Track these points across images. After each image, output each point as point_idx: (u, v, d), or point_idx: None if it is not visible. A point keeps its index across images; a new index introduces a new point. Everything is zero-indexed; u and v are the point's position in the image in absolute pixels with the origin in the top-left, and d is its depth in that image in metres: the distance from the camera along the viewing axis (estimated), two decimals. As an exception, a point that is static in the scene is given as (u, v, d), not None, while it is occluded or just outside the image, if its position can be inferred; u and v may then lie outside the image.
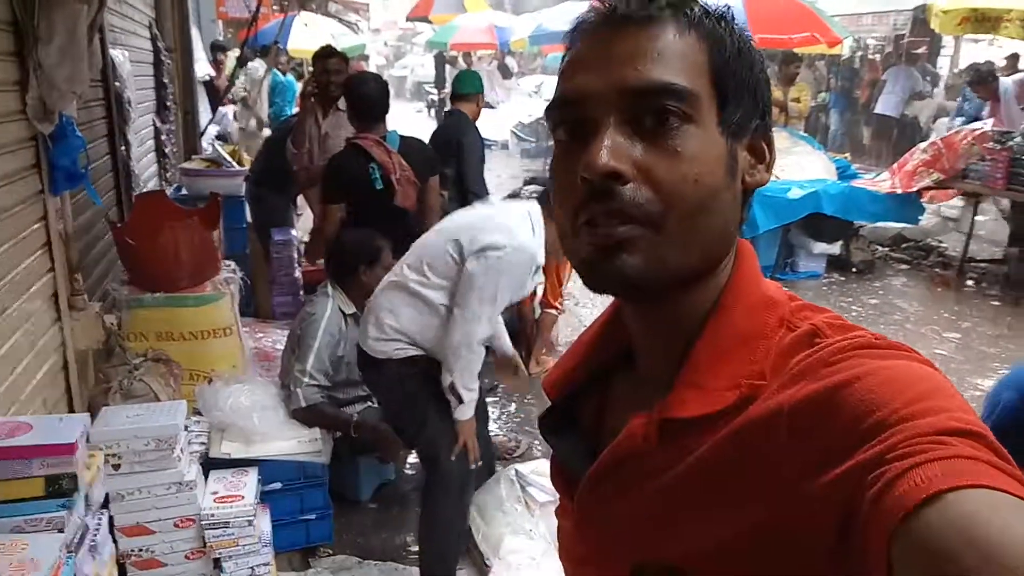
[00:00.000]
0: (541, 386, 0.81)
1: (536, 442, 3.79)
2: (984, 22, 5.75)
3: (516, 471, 2.95)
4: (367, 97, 3.43)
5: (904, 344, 0.58)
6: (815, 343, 0.60)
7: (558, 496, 0.79)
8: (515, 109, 13.67)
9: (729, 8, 0.66)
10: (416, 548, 2.84)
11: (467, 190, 4.06)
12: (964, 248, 6.41)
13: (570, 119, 0.64)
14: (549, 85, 14.66)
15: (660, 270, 0.61)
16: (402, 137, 3.48)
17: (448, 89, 13.98)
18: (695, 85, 0.61)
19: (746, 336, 0.64)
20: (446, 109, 4.40)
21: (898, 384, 0.53)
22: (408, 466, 3.54)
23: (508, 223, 2.42)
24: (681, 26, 0.62)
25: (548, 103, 0.67)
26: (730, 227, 0.65)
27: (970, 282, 6.35)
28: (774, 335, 0.63)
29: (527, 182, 4.90)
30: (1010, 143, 5.81)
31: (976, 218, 6.45)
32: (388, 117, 3.47)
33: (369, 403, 3.16)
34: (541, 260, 2.48)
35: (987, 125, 6.30)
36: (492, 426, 4.03)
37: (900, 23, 12.23)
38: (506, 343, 2.84)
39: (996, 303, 5.92)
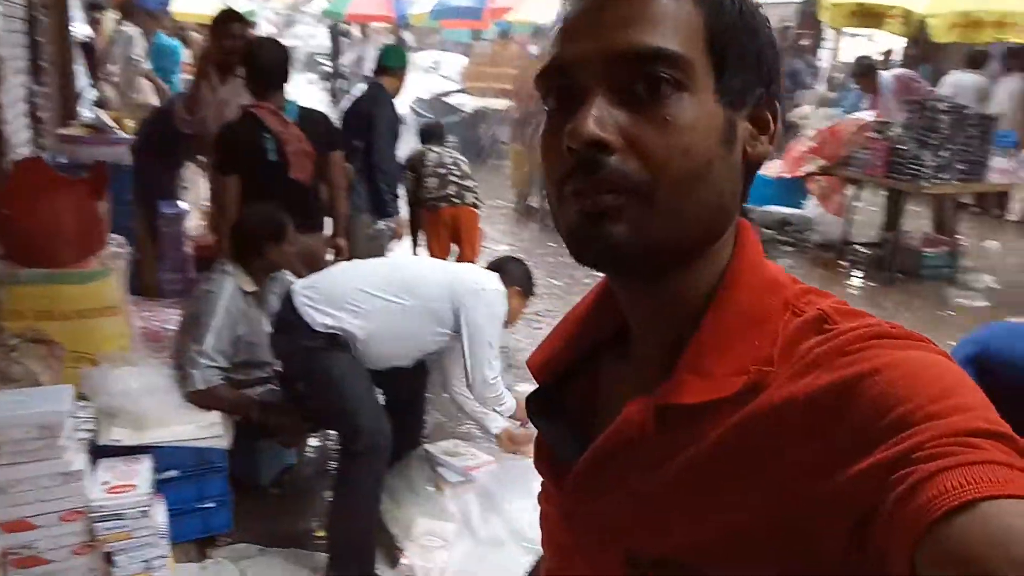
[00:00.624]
0: (526, 366, 0.77)
1: (446, 421, 3.75)
2: (870, 17, 6.05)
3: (427, 451, 2.90)
4: (265, 64, 3.26)
5: (919, 333, 0.56)
6: (824, 329, 0.57)
7: (541, 480, 0.75)
8: (413, 85, 13.43)
9: None
10: (322, 533, 2.76)
11: (373, 165, 3.94)
12: (844, 232, 6.76)
13: (559, 87, 0.61)
14: (447, 62, 14.46)
15: (647, 241, 0.58)
16: (301, 108, 3.34)
17: (343, 61, 13.66)
18: (689, 51, 0.58)
19: (751, 319, 0.61)
20: (369, 80, 4.25)
21: (920, 378, 0.51)
22: (310, 450, 3.43)
23: (492, 281, 2.80)
24: None
25: (538, 70, 0.62)
26: (726, 200, 0.61)
27: (848, 264, 6.71)
28: (779, 319, 0.60)
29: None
30: (889, 133, 6.15)
31: (856, 204, 6.82)
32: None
33: (270, 385, 3.04)
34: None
35: (869, 116, 6.65)
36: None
37: (787, 15, 12.73)
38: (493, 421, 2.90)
39: (873, 284, 6.28)
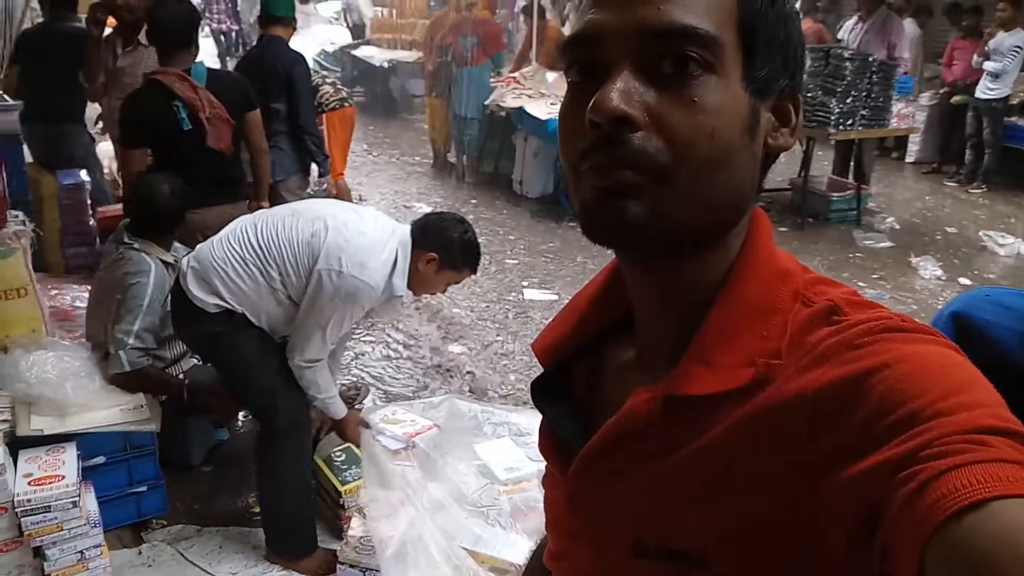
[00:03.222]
0: (531, 349, 0.76)
1: (377, 387, 3.72)
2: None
3: (365, 420, 2.87)
4: (167, 24, 3.05)
5: (930, 327, 0.56)
6: (834, 321, 0.57)
7: (545, 464, 0.75)
8: (316, 36, 12.95)
9: None
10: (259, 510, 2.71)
11: (301, 128, 3.79)
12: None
13: (584, 59, 0.59)
14: (351, 12, 13.99)
15: (664, 223, 0.57)
16: (210, 70, 3.15)
17: (240, 9, 12.99)
18: (720, 32, 0.56)
19: (760, 309, 0.60)
20: (260, 35, 4.02)
21: (930, 374, 0.50)
22: (240, 424, 3.35)
23: (371, 258, 2.32)
24: None
25: (564, 40, 0.60)
26: (745, 189, 0.60)
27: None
28: (789, 309, 0.60)
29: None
30: (797, 81, 6.31)
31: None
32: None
33: (196, 359, 2.94)
34: (400, 293, 2.43)
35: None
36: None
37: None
38: (337, 406, 2.62)
39: (784, 229, 6.49)
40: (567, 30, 6.82)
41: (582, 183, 0.59)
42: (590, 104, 0.55)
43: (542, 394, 0.74)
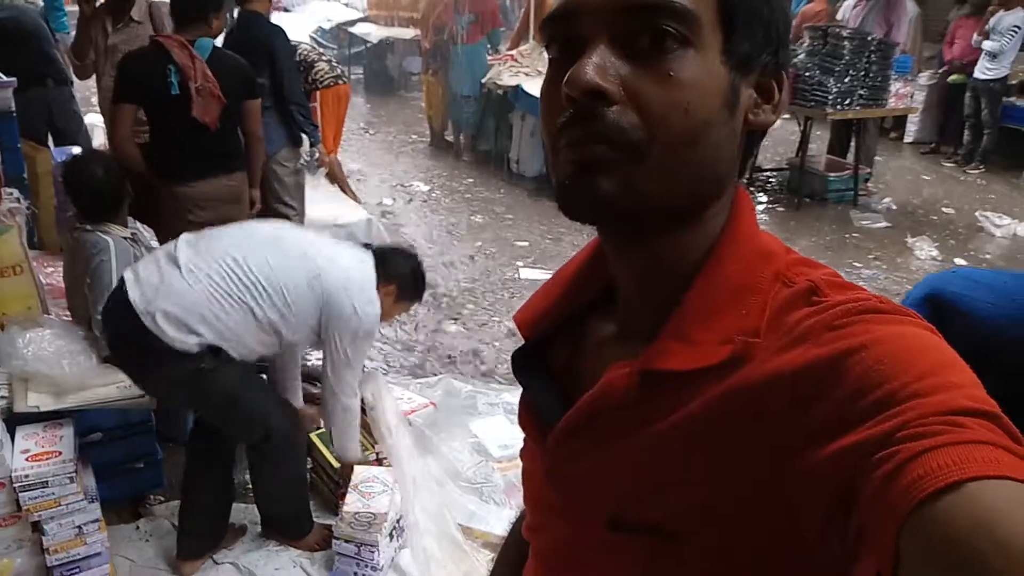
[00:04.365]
0: (513, 320, 0.76)
1: (371, 363, 3.73)
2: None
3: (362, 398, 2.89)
4: None
5: (909, 309, 0.56)
6: (813, 301, 0.57)
7: (523, 438, 0.76)
8: (313, 13, 12.85)
9: None
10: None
11: (288, 101, 3.78)
12: (752, 158, 6.93)
13: (562, 35, 0.59)
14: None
15: (638, 199, 0.57)
16: (216, 49, 3.15)
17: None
18: (698, 7, 0.56)
19: (740, 289, 0.60)
20: (239, 12, 3.99)
21: (908, 355, 0.50)
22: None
23: (370, 289, 2.36)
24: None
25: (545, 17, 0.61)
26: (723, 166, 0.61)
27: (756, 190, 6.91)
28: (769, 289, 0.60)
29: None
30: (795, 61, 6.28)
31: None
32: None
33: None
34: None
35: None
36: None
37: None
38: (357, 450, 2.59)
39: (781, 208, 6.50)
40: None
41: (559, 159, 0.59)
42: (565, 78, 0.56)
43: (523, 366, 0.74)
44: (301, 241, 2.42)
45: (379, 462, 2.66)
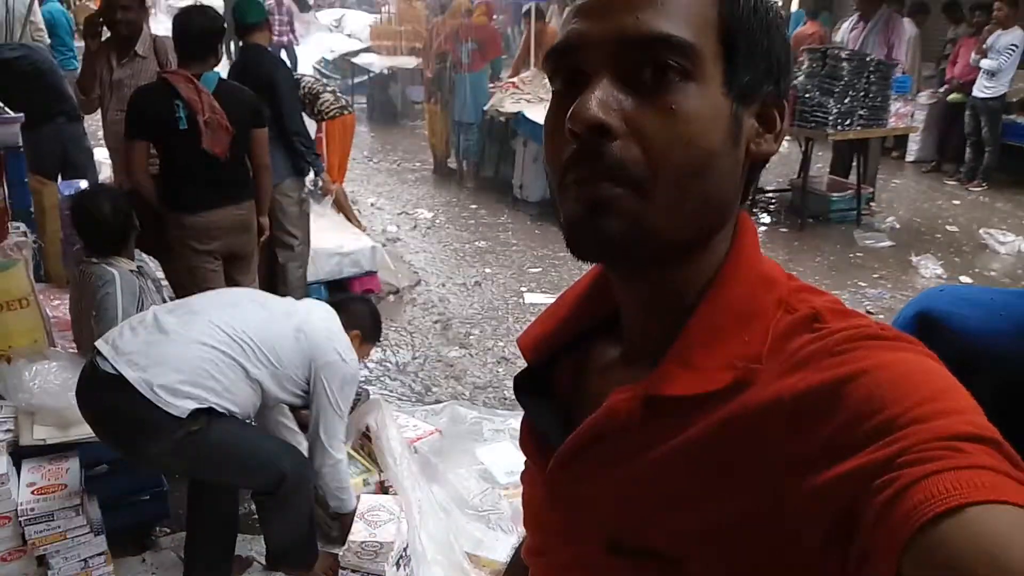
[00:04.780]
0: (517, 344, 0.76)
1: (377, 390, 3.73)
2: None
3: (366, 425, 2.88)
4: (183, 31, 3.16)
5: (910, 336, 0.57)
6: (815, 328, 0.58)
7: (525, 461, 0.76)
8: (316, 45, 13.00)
9: None
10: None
11: (290, 132, 3.83)
12: (754, 183, 6.94)
13: (566, 68, 0.60)
14: (350, 18, 14.03)
15: (644, 236, 0.57)
16: (222, 81, 3.22)
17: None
18: (699, 40, 0.57)
19: (742, 315, 0.60)
20: (241, 46, 4.07)
21: (908, 381, 0.51)
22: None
23: (346, 340, 2.45)
24: None
25: (548, 50, 0.61)
26: (727, 196, 0.61)
27: (759, 211, 6.92)
28: (772, 316, 0.60)
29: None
30: (794, 83, 6.32)
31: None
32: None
33: None
34: None
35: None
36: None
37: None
38: (352, 501, 2.55)
39: (784, 229, 6.51)
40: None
41: (565, 196, 0.59)
42: (568, 113, 0.56)
43: (525, 390, 0.74)
44: (278, 300, 2.55)
45: (384, 490, 2.65)
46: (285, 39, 11.59)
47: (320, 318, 2.46)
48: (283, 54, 11.58)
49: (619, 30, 0.57)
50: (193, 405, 2.14)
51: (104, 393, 2.18)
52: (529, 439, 0.74)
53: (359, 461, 2.81)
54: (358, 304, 2.75)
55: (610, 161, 0.56)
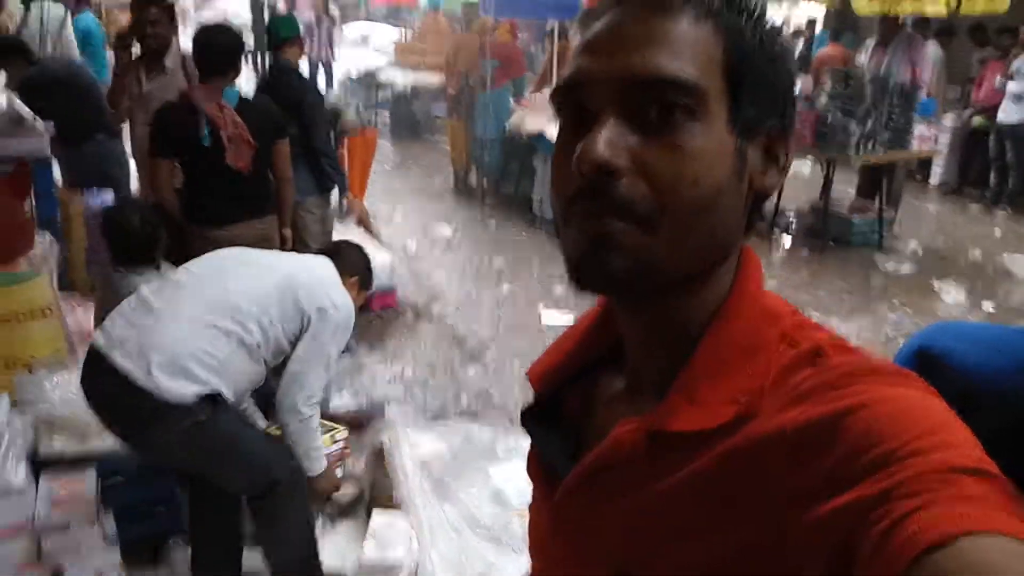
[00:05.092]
0: (526, 375, 0.77)
1: (392, 406, 3.73)
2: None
3: (379, 443, 2.89)
4: (205, 48, 3.22)
5: (910, 371, 0.58)
6: (817, 362, 0.58)
7: (532, 488, 0.77)
8: (344, 59, 13.13)
9: (759, 2, 0.62)
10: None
11: (317, 151, 3.88)
12: (776, 201, 6.92)
13: (573, 104, 0.61)
14: (378, 33, 14.16)
15: (649, 271, 0.58)
16: (243, 97, 3.28)
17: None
18: (705, 79, 0.57)
19: (746, 349, 0.61)
20: (271, 63, 4.13)
21: (907, 415, 0.51)
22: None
23: (335, 282, 2.43)
24: (699, 14, 0.59)
25: (554, 86, 0.63)
26: (731, 231, 0.62)
27: (780, 233, 6.88)
28: (774, 350, 0.61)
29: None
30: (816, 104, 6.31)
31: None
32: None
33: None
34: None
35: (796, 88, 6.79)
36: (344, 398, 3.93)
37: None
38: (323, 460, 2.50)
39: (804, 251, 6.46)
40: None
41: (570, 229, 0.60)
42: (576, 153, 0.57)
43: (533, 419, 0.75)
44: (263, 256, 2.49)
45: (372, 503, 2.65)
46: (323, 56, 11.74)
47: (310, 266, 2.45)
48: (320, 70, 11.75)
49: (626, 69, 0.58)
50: (193, 388, 2.10)
51: (104, 385, 2.16)
52: (536, 468, 0.75)
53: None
54: (352, 250, 2.69)
55: (617, 198, 0.57)
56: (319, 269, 2.45)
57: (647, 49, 0.57)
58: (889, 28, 6.62)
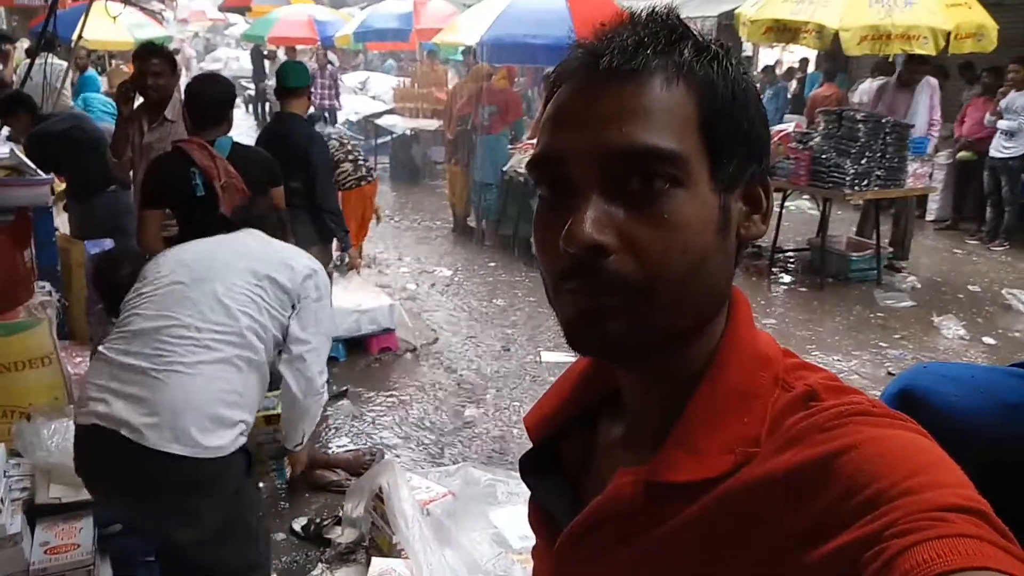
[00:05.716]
0: (523, 423, 0.78)
1: (391, 450, 3.71)
2: (786, 32, 6.24)
3: (379, 487, 2.86)
4: (197, 99, 3.26)
5: (901, 413, 0.58)
6: (810, 406, 0.59)
7: (534, 538, 0.77)
8: (342, 106, 13.33)
9: (725, 46, 0.62)
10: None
11: (319, 207, 3.90)
12: (773, 239, 6.96)
13: (551, 177, 0.61)
14: (375, 81, 14.40)
15: (646, 335, 0.59)
16: (236, 145, 3.30)
17: (268, 83, 13.44)
18: (683, 145, 0.57)
19: (741, 396, 0.62)
20: (276, 111, 4.17)
21: (896, 455, 0.52)
22: (261, 487, 3.35)
23: (285, 244, 2.45)
24: (669, 76, 0.58)
25: (529, 158, 0.63)
26: (723, 285, 0.63)
27: (779, 271, 6.90)
28: (769, 395, 0.61)
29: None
30: (811, 144, 6.38)
31: (783, 211, 7.03)
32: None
33: None
34: None
35: (790, 127, 6.89)
36: (343, 440, 3.92)
37: (706, 28, 13.09)
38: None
39: (803, 289, 6.47)
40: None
41: (562, 299, 0.61)
42: (563, 233, 0.57)
43: (532, 469, 0.75)
44: (219, 258, 2.28)
45: (395, 553, 2.62)
46: (327, 103, 11.91)
47: (258, 246, 2.37)
48: (325, 116, 11.90)
49: (603, 143, 0.57)
50: (231, 433, 2.00)
51: (123, 466, 1.96)
52: (537, 517, 0.75)
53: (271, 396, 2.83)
54: (262, 205, 2.72)
55: (607, 276, 0.57)
56: (270, 243, 2.42)
57: (624, 122, 0.57)
58: (914, 72, 6.59)
